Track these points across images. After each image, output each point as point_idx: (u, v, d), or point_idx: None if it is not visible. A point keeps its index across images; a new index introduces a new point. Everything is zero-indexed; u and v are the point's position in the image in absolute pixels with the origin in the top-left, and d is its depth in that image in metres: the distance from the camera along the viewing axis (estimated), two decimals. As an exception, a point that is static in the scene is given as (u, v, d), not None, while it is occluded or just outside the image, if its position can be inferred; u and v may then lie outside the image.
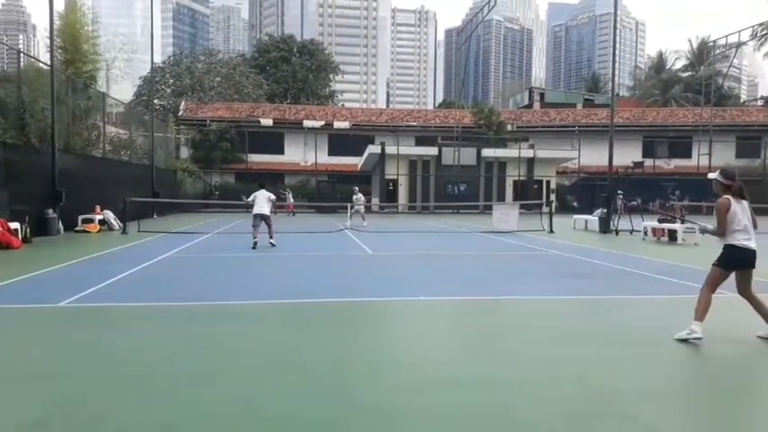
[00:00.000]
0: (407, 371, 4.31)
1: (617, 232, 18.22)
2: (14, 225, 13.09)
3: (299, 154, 41.98)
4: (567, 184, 41.54)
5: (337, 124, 41.71)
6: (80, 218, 17.31)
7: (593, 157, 37.25)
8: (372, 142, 36.77)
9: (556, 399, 3.70)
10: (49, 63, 16.91)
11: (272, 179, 39.26)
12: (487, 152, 36.60)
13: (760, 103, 65.10)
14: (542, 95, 56.37)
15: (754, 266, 5.19)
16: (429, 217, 29.85)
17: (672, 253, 12.79)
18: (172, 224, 21.09)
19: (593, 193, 33.43)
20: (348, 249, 13.13)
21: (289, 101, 56.74)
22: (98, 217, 17.62)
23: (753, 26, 43.44)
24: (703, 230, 5.57)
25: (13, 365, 4.40)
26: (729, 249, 5.13)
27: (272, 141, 41.92)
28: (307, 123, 41.03)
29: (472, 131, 41.52)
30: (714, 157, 35.62)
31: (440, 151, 35.76)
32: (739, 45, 38.31)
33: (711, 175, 5.32)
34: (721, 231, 5.12)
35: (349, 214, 22.19)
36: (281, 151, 42.67)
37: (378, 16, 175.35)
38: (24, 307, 6.52)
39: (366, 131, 41.81)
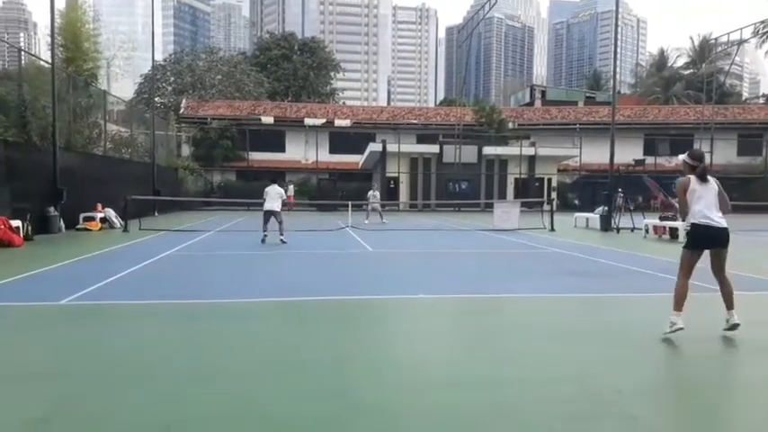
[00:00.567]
0: (407, 370, 4.31)
1: (618, 230, 18.20)
2: (16, 223, 13.09)
3: (300, 152, 41.95)
4: (569, 182, 41.49)
5: (338, 122, 41.69)
6: (81, 216, 17.32)
7: (594, 154, 37.21)
8: (373, 140, 36.75)
9: (556, 398, 3.70)
10: (49, 61, 16.91)
11: (273, 177, 39.30)
12: (489, 150, 36.55)
13: (762, 100, 64.91)
14: (543, 93, 56.24)
15: (723, 245, 5.08)
16: (430, 215, 29.84)
17: (673, 251, 12.75)
18: (173, 222, 21.10)
19: (594, 191, 33.42)
20: (349, 247, 13.13)
21: (290, 99, 56.71)
22: (99, 215, 17.63)
23: (755, 23, 43.23)
24: (680, 217, 5.51)
25: (13, 364, 4.40)
26: (692, 228, 5.10)
27: (273, 139, 41.90)
28: (308, 121, 41.01)
29: (473, 129, 41.45)
30: (716, 155, 35.56)
31: (441, 149, 35.73)
32: (741, 42, 38.16)
33: (680, 157, 5.31)
34: (682, 211, 5.13)
35: (367, 213, 22.28)
36: (282, 149, 42.64)
37: (379, 14, 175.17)
38: (25, 305, 6.52)
39: (367, 129, 41.78)
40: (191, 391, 3.78)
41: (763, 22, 44.88)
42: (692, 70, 62.22)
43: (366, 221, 20.79)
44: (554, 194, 34.85)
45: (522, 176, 36.65)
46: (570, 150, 38.13)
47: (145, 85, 46.96)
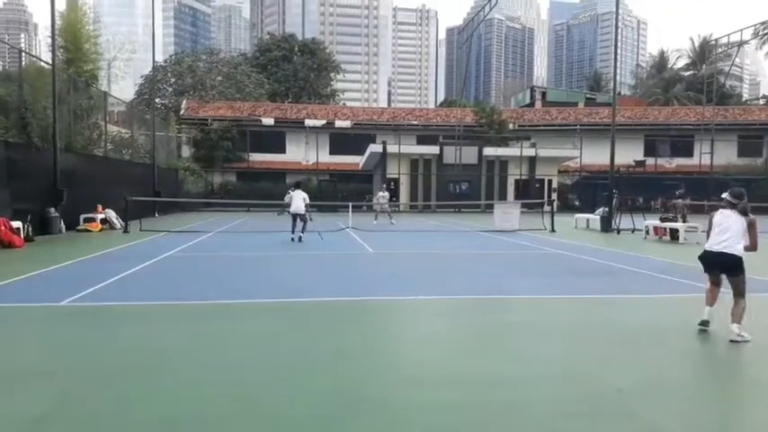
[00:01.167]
0: (409, 370, 4.31)
1: (618, 231, 18.19)
2: (16, 224, 13.10)
3: (300, 153, 41.94)
4: (569, 183, 41.49)
5: (339, 123, 41.69)
6: (82, 217, 17.33)
7: (594, 155, 37.19)
8: (374, 141, 36.73)
9: (557, 397, 3.70)
10: (50, 62, 16.93)
11: (273, 178, 39.38)
12: (489, 151, 36.55)
13: (762, 101, 64.92)
14: (544, 94, 56.24)
15: (726, 271, 5.29)
16: (430, 216, 29.83)
17: (673, 252, 12.77)
18: (173, 223, 21.10)
19: (594, 192, 33.40)
20: (350, 248, 13.14)
21: (290, 100, 56.73)
22: (100, 216, 17.64)
23: (755, 25, 43.35)
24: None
25: (14, 364, 4.41)
26: (702, 252, 5.57)
27: (273, 140, 41.92)
28: (308, 122, 41.01)
29: (474, 130, 41.45)
30: (716, 156, 35.53)
31: (441, 150, 35.71)
32: (741, 44, 38.15)
33: (723, 195, 5.68)
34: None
35: (375, 214, 22.32)
36: (282, 150, 42.66)
37: (379, 15, 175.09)
38: (26, 306, 6.53)
39: (367, 130, 41.78)
40: (191, 390, 3.78)
41: (763, 23, 44.94)
42: (692, 71, 62.18)
43: (375, 222, 20.84)
44: (554, 195, 34.85)
45: (523, 177, 36.64)
46: (570, 151, 38.11)
47: (145, 87, 46.94)
